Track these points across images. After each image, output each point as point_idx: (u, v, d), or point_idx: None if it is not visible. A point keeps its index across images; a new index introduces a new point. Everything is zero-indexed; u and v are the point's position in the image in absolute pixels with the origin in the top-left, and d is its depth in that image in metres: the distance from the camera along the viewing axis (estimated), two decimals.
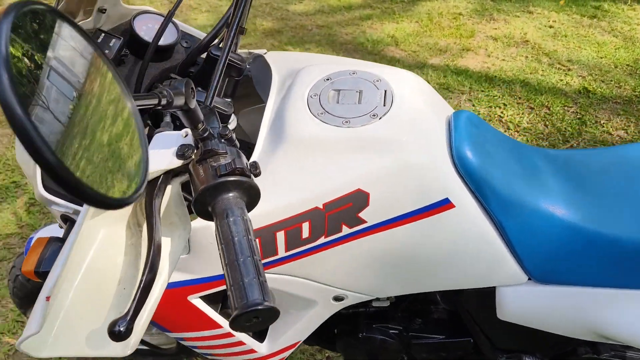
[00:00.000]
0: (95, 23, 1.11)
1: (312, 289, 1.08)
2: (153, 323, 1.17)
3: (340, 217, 0.96)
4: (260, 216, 0.93)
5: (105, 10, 1.10)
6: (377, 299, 1.23)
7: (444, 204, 0.98)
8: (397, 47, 3.65)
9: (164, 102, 0.60)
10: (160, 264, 0.75)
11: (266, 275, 1.02)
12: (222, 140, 0.73)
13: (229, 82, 1.07)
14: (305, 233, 0.97)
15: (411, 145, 0.93)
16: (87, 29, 1.10)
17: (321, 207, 0.93)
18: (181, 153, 0.73)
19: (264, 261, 1.01)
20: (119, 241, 0.74)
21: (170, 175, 0.75)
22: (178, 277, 1.05)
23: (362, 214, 0.96)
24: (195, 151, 0.72)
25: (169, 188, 0.75)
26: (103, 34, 1.08)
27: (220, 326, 1.16)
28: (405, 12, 4.15)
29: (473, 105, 3.00)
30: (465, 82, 3.22)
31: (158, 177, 0.74)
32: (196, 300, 1.10)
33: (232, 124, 1.06)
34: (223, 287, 1.06)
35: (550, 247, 1.04)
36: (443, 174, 0.96)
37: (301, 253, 1.01)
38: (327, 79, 1.04)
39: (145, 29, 1.14)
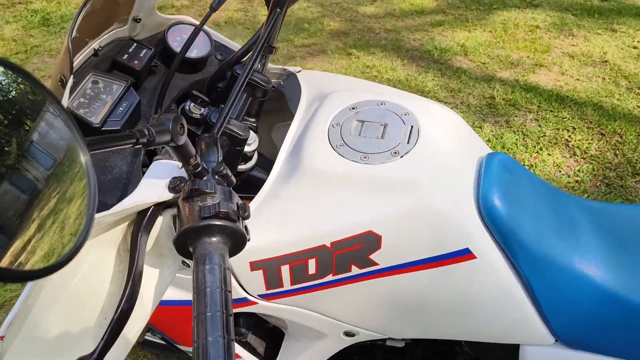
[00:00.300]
0: (130, 32, 1.11)
1: (322, 322, 1.04)
2: (161, 333, 1.16)
3: (349, 258, 0.91)
4: (264, 248, 0.90)
5: (140, 19, 1.10)
6: (391, 338, 1.17)
7: (464, 254, 0.91)
8: (466, 57, 3.52)
9: (143, 140, 0.57)
10: (145, 296, 0.73)
11: (274, 305, 0.98)
12: (216, 177, 0.70)
13: (252, 101, 1.04)
14: (312, 269, 0.92)
15: (432, 189, 0.87)
16: (121, 37, 1.09)
17: (329, 245, 0.89)
18: (173, 186, 0.70)
19: (269, 292, 0.97)
20: (107, 267, 0.73)
21: (161, 207, 0.73)
22: (185, 295, 1.04)
23: (373, 256, 0.90)
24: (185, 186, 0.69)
25: (159, 219, 0.73)
26: (135, 44, 1.07)
27: None
28: (479, 21, 3.99)
29: (539, 126, 2.84)
30: (534, 99, 3.05)
31: (148, 208, 0.71)
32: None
33: (253, 144, 1.03)
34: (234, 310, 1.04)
35: (581, 310, 0.95)
36: (465, 222, 0.89)
37: (308, 288, 0.96)
38: (353, 108, 0.98)
39: (179, 40, 1.12)
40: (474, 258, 0.91)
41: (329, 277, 0.94)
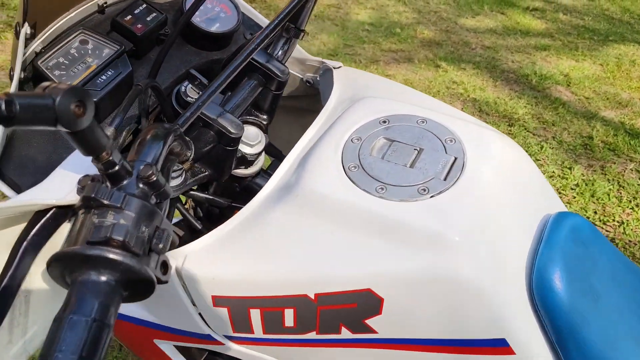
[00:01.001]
0: None
1: None
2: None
3: (338, 317, 0.68)
4: (231, 283, 0.69)
5: None
6: None
7: (498, 346, 0.65)
8: (568, 88, 3.14)
9: None
10: (29, 310, 0.54)
11: (245, 350, 0.77)
12: (140, 185, 0.49)
13: (264, 94, 0.83)
14: (289, 321, 0.70)
15: (466, 250, 0.62)
16: None
17: (312, 297, 0.66)
18: (82, 186, 0.50)
19: (237, 335, 0.76)
20: None
21: (69, 211, 0.53)
22: (144, 314, 0.84)
23: (370, 322, 0.67)
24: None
25: (66, 227, 0.53)
26: (144, 5, 0.89)
27: None
28: (590, 51, 3.58)
29: None
30: (638, 148, 2.65)
31: (48, 210, 0.52)
32: (165, 346, 0.89)
33: (257, 146, 0.82)
34: (198, 345, 0.84)
35: None
36: (507, 303, 0.64)
37: (286, 341, 0.74)
38: (384, 122, 0.75)
39: (201, 9, 0.93)
40: (511, 354, 0.65)
41: (312, 335, 0.71)
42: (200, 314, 0.75)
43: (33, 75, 0.77)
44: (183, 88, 0.81)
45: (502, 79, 3.19)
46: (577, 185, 2.41)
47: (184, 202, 0.91)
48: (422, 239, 0.63)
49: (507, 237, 0.66)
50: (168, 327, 0.82)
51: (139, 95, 0.67)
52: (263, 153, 0.87)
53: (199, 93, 0.81)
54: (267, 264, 0.67)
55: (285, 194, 0.71)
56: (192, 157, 0.68)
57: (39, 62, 0.77)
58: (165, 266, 0.49)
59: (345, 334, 0.70)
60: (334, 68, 0.93)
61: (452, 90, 3.04)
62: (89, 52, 0.81)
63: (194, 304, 0.74)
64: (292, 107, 1.09)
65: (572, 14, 4.19)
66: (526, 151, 2.65)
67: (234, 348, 0.79)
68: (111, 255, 0.43)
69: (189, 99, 0.80)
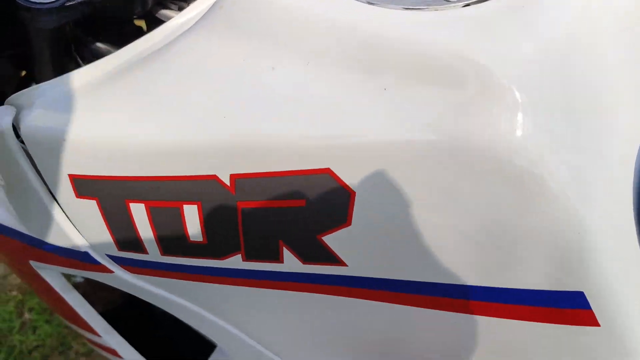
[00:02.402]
0: None
1: (217, 330, 0.51)
2: None
3: (276, 226, 0.37)
4: (91, 146, 0.39)
5: None
6: None
7: (571, 307, 0.33)
8: None
9: None
10: None
11: (141, 284, 0.48)
12: None
13: None
14: (194, 232, 0.40)
15: (535, 114, 0.30)
16: None
17: (226, 180, 0.35)
18: None
19: (125, 256, 0.46)
20: None
21: None
22: (9, 219, 0.56)
23: (330, 239, 0.36)
24: None
25: None
26: None
27: (94, 331, 0.65)
28: None
29: None
30: None
31: None
32: (45, 272, 0.59)
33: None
34: (82, 273, 0.54)
35: None
36: (599, 234, 0.32)
37: (197, 271, 0.44)
38: None
39: None
40: (593, 325, 0.33)
41: (234, 262, 0.41)
42: (64, 211, 0.46)
43: None
44: None
45: None
46: None
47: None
48: (443, 80, 0.31)
49: (614, 97, 0.34)
50: (37, 240, 0.53)
51: None
52: None
53: None
54: (154, 121, 0.37)
55: (205, 16, 0.40)
56: None
57: None
58: None
59: (291, 263, 0.39)
60: None
61: None
62: None
63: (50, 192, 0.45)
64: None
65: None
66: None
67: (128, 280, 0.49)
68: None
69: None
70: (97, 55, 0.58)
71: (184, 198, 0.38)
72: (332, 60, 0.33)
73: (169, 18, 0.55)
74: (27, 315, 1.50)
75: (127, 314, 0.71)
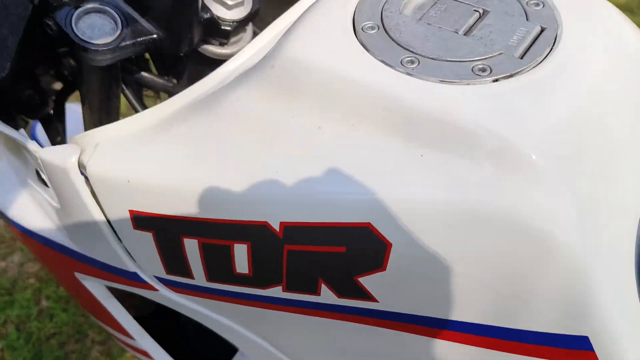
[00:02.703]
0: None
1: (245, 341, 0.56)
2: None
3: (317, 267, 0.42)
4: (152, 188, 0.43)
5: None
6: None
7: (577, 348, 0.38)
8: None
9: None
10: None
11: (186, 302, 0.53)
12: None
13: None
14: (242, 265, 0.44)
15: (548, 180, 0.35)
16: None
17: (276, 227, 0.40)
18: None
19: (172, 278, 0.51)
20: None
21: None
22: (58, 235, 0.60)
23: (366, 281, 0.41)
24: None
25: None
26: None
27: (128, 335, 0.70)
28: None
29: None
30: None
31: None
32: (89, 283, 0.65)
33: (237, 8, 0.56)
34: (127, 288, 0.59)
35: None
36: (604, 283, 0.37)
37: (239, 296, 0.49)
38: None
39: None
40: None
41: (276, 292, 0.46)
42: (117, 235, 0.51)
43: None
44: None
45: None
46: None
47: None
48: (471, 149, 0.36)
49: (619, 167, 0.39)
50: (85, 257, 0.58)
51: None
52: (250, 28, 0.60)
53: None
54: (210, 168, 0.41)
55: (259, 64, 0.44)
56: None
57: None
58: None
59: (327, 296, 0.44)
60: None
61: None
62: None
63: (109, 222, 0.49)
64: None
65: None
66: None
67: (172, 297, 0.54)
68: None
69: None
70: (142, 83, 0.63)
71: (235, 238, 0.42)
72: (375, 124, 0.38)
73: (209, 52, 0.59)
74: (44, 303, 1.56)
75: (155, 317, 0.76)
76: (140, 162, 0.44)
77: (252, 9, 0.57)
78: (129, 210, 0.45)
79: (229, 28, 0.56)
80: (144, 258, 0.51)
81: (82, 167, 0.46)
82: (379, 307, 0.42)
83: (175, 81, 0.65)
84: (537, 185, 0.35)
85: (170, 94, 0.64)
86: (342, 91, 0.39)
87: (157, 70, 0.65)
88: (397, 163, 0.37)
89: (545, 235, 0.35)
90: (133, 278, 0.54)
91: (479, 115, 0.36)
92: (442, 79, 0.38)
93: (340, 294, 0.43)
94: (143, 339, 0.70)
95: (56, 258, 0.63)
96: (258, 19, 0.60)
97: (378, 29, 0.42)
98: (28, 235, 0.61)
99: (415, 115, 0.37)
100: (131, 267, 0.53)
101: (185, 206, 0.42)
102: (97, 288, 0.65)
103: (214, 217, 0.42)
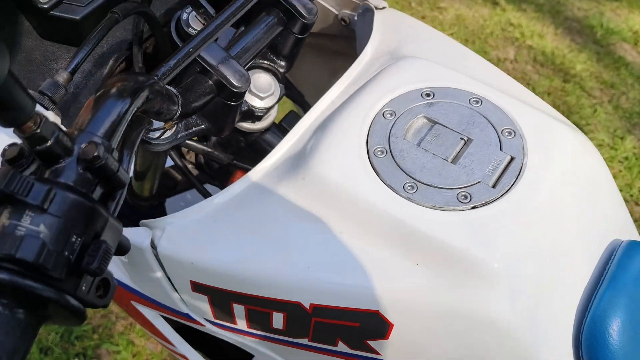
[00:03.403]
0: None
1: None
2: None
3: (337, 332, 0.56)
4: (211, 271, 0.57)
5: None
6: None
7: None
8: (635, 48, 2.84)
9: None
10: None
11: (228, 334, 0.67)
12: (80, 169, 0.36)
13: (284, 36, 0.67)
14: (277, 324, 0.58)
15: (505, 285, 0.48)
16: None
17: (306, 306, 0.54)
18: (9, 157, 0.37)
19: (219, 322, 0.65)
20: None
21: None
22: (119, 273, 0.74)
23: (373, 343, 0.55)
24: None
25: None
26: None
27: (170, 342, 0.85)
28: None
29: None
30: None
31: None
32: (145, 310, 0.79)
33: (268, 99, 0.67)
34: (176, 319, 0.73)
35: None
36: (547, 356, 0.51)
37: (272, 339, 0.63)
38: (428, 95, 0.59)
39: None
40: None
41: (303, 341, 0.60)
42: (174, 288, 0.64)
43: None
44: (185, 15, 0.65)
45: (564, 27, 2.89)
46: (626, 158, 2.21)
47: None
48: (452, 262, 0.49)
49: (561, 271, 0.52)
50: (144, 295, 0.72)
51: (114, 26, 0.52)
52: (276, 106, 0.72)
53: (202, 24, 0.65)
54: (257, 260, 0.54)
55: (292, 169, 0.57)
56: (178, 113, 0.54)
57: None
58: (105, 286, 0.36)
59: (343, 347, 0.58)
60: (376, 8, 0.76)
61: (508, 33, 2.77)
62: None
63: (171, 282, 0.63)
64: (323, 46, 0.92)
65: None
66: (577, 113, 2.42)
67: (216, 331, 0.69)
68: (14, 281, 0.31)
69: (190, 30, 0.65)
70: (184, 146, 0.75)
71: (275, 309, 0.56)
72: (383, 238, 0.51)
73: (243, 127, 0.71)
74: None
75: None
76: (201, 247, 0.57)
77: (279, 97, 0.69)
78: (190, 280, 0.59)
79: (261, 114, 0.68)
80: (196, 308, 0.64)
81: (152, 246, 0.59)
82: (381, 358, 0.57)
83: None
84: (498, 287, 0.49)
85: (206, 155, 0.76)
86: (358, 210, 0.52)
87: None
88: (398, 269, 0.50)
89: (499, 324, 0.49)
90: (184, 315, 0.68)
91: (458, 238, 0.49)
92: (434, 205, 0.51)
93: (353, 348, 0.57)
94: (182, 346, 0.85)
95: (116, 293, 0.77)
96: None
97: (386, 153, 0.54)
98: None
99: (412, 236, 0.50)
100: (184, 309, 0.67)
101: (237, 284, 0.56)
102: (148, 312, 0.79)
103: (260, 294, 0.55)
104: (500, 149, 0.54)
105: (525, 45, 2.72)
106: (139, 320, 0.85)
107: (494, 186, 0.52)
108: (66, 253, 0.33)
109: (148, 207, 0.95)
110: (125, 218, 0.99)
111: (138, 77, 0.44)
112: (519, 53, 2.67)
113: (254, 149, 0.76)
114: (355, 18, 0.81)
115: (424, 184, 0.52)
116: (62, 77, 0.45)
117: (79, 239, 0.34)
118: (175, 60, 0.50)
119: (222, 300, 0.59)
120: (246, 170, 0.74)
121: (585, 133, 2.39)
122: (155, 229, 0.59)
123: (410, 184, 0.52)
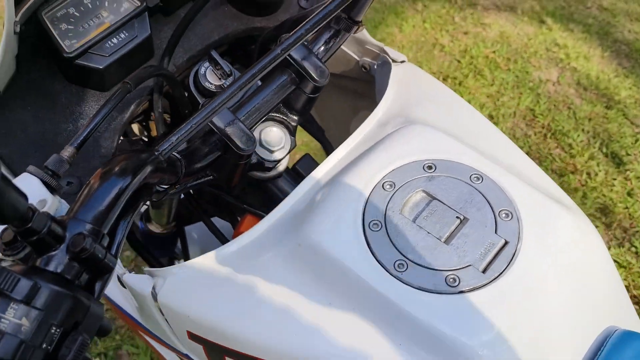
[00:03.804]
0: None
1: None
2: None
3: None
4: (207, 325, 0.59)
5: None
6: None
7: None
8: None
9: None
10: None
11: None
12: (67, 260, 0.38)
13: (297, 94, 0.68)
14: None
15: None
16: None
17: None
18: (5, 241, 0.39)
19: None
20: None
21: None
22: (127, 306, 0.77)
23: None
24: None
25: None
26: None
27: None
28: None
29: None
30: None
31: None
32: (149, 339, 0.82)
33: (278, 152, 0.69)
34: (177, 356, 0.76)
35: None
36: None
37: None
38: (430, 167, 0.59)
39: None
40: None
41: None
42: (172, 331, 0.67)
43: (35, 29, 0.65)
44: (203, 70, 0.68)
45: (612, 49, 2.81)
46: None
47: None
48: (436, 345, 0.50)
49: (547, 359, 0.52)
50: (149, 329, 0.75)
51: (124, 97, 0.55)
52: (287, 157, 0.74)
53: (219, 78, 0.67)
54: (249, 322, 0.56)
55: (291, 231, 0.58)
56: (181, 177, 0.56)
57: (43, 13, 0.65)
58: None
59: None
60: (394, 61, 0.76)
61: (552, 54, 2.71)
62: (105, 4, 0.68)
63: (170, 327, 0.65)
64: (345, 86, 0.93)
65: None
66: (618, 142, 2.35)
67: None
68: None
69: (207, 85, 0.67)
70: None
71: None
72: (373, 313, 0.52)
73: (253, 175, 0.73)
74: None
75: None
76: (199, 301, 0.59)
77: (290, 149, 0.70)
78: (187, 330, 0.61)
79: (271, 167, 0.70)
80: (194, 353, 0.67)
81: (153, 294, 0.61)
82: None
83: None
84: None
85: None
86: (348, 284, 0.53)
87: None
88: (382, 347, 0.51)
89: None
90: (184, 355, 0.71)
91: (443, 322, 0.50)
92: (421, 286, 0.51)
93: None
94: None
95: (122, 316, 0.80)
96: None
97: (381, 227, 0.55)
98: (111, 303, 0.78)
99: (399, 315, 0.51)
100: (184, 350, 0.69)
101: (230, 341, 0.58)
102: (153, 343, 0.82)
103: (251, 353, 0.57)
104: (495, 232, 0.54)
105: (569, 67, 2.65)
106: (147, 345, 0.89)
107: (484, 271, 0.52)
108: (44, 345, 0.35)
109: (167, 234, 0.99)
110: (147, 240, 1.03)
111: (142, 155, 0.46)
112: (562, 75, 2.61)
113: (264, 192, 0.77)
114: (375, 67, 0.82)
115: (414, 263, 0.53)
116: (67, 152, 0.48)
117: (59, 330, 0.36)
118: (183, 132, 0.52)
119: (216, 353, 0.61)
120: (256, 215, 0.76)
121: (624, 164, 2.32)
122: (158, 277, 0.61)
123: (400, 262, 0.53)
